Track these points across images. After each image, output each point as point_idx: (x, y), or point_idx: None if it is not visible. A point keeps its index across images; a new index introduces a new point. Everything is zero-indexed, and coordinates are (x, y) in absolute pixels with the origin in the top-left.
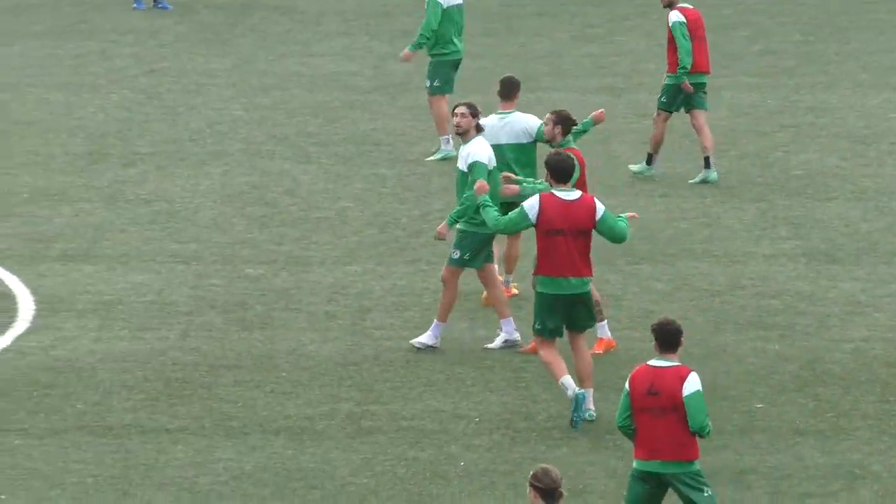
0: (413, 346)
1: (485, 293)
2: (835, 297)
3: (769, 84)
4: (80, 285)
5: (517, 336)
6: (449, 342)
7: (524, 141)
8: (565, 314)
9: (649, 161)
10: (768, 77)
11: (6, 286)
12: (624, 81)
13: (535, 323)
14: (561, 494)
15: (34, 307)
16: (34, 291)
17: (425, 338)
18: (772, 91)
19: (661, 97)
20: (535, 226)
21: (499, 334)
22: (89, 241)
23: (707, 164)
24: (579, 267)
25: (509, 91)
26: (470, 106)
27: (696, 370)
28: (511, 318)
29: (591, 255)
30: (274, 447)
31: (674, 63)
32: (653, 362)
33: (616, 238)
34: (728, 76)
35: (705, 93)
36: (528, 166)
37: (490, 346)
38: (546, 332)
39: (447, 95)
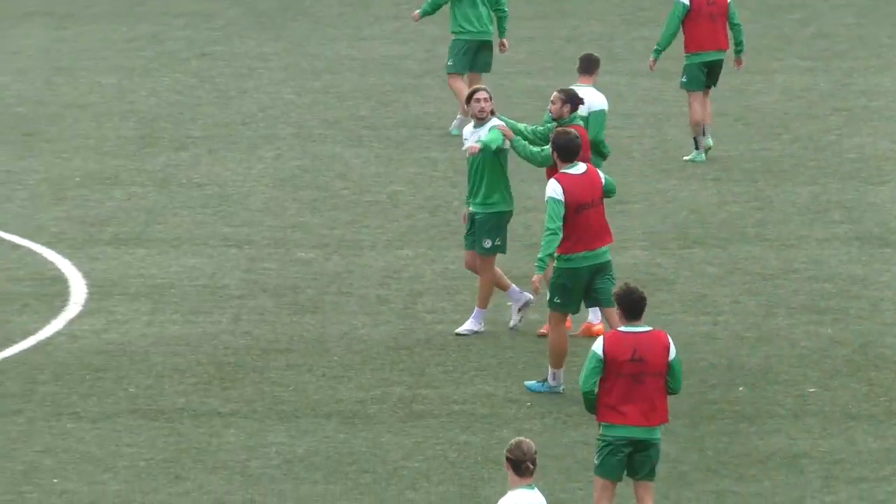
0: (458, 334)
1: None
2: (888, 280)
3: (822, 67)
4: (132, 269)
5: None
6: (501, 326)
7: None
8: (588, 285)
9: (696, 146)
10: (821, 60)
11: (59, 270)
12: (675, 65)
13: (553, 297)
14: (528, 468)
15: (87, 291)
16: (87, 275)
17: (469, 324)
18: (824, 74)
19: (680, 78)
20: (565, 206)
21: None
22: (141, 224)
23: (696, 144)
24: (604, 235)
25: (587, 67)
26: (488, 91)
27: (749, 354)
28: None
29: (643, 239)
30: (325, 431)
31: (687, 43)
32: (625, 329)
33: (612, 193)
34: (781, 59)
35: (720, 70)
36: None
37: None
38: (567, 307)
39: (464, 75)
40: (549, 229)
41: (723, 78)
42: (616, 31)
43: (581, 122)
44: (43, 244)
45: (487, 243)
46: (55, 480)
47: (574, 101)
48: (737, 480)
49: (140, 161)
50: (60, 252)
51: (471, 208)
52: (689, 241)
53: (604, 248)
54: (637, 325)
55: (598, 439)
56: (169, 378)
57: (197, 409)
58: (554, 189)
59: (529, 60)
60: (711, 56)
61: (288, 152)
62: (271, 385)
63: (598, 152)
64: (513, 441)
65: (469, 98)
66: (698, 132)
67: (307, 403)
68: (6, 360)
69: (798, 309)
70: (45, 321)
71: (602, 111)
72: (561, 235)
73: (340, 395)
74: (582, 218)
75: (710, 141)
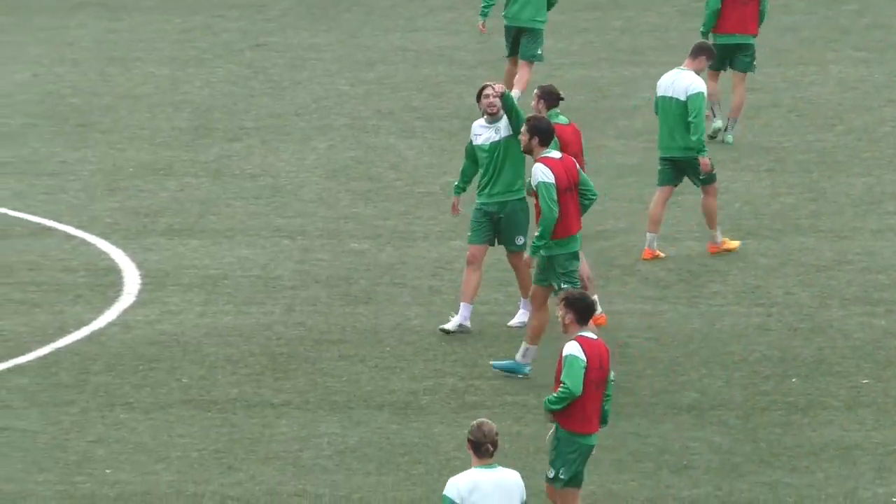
0: (511, 326)
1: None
2: None
3: (877, 59)
4: (185, 260)
5: (468, 325)
6: (554, 317)
7: (681, 98)
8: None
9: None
10: (876, 51)
11: (112, 261)
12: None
13: (561, 283)
14: (488, 449)
15: (140, 281)
16: (140, 266)
17: (520, 316)
18: (879, 66)
19: None
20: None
21: (453, 315)
22: (195, 215)
23: (726, 127)
24: (579, 220)
25: (695, 52)
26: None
27: (802, 346)
28: (471, 306)
29: (697, 230)
30: (378, 422)
31: (717, 23)
32: (587, 335)
33: (589, 189)
34: (836, 50)
35: (746, 55)
36: (679, 121)
37: (446, 326)
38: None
39: (513, 58)
40: (552, 210)
41: (777, 69)
42: (671, 22)
43: (564, 120)
44: (97, 235)
45: (520, 240)
46: (108, 471)
47: (549, 97)
48: (790, 472)
49: (194, 152)
50: (114, 243)
51: (482, 201)
52: (742, 232)
53: (580, 234)
54: (589, 332)
55: (569, 450)
56: (222, 369)
57: (249, 400)
58: (544, 172)
59: (583, 51)
60: (735, 39)
61: (341, 143)
62: (324, 376)
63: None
64: (474, 423)
65: (480, 93)
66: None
67: (359, 394)
68: (60, 350)
69: (851, 300)
70: (99, 312)
71: (699, 94)
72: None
73: (393, 386)
74: (562, 202)
75: (718, 123)
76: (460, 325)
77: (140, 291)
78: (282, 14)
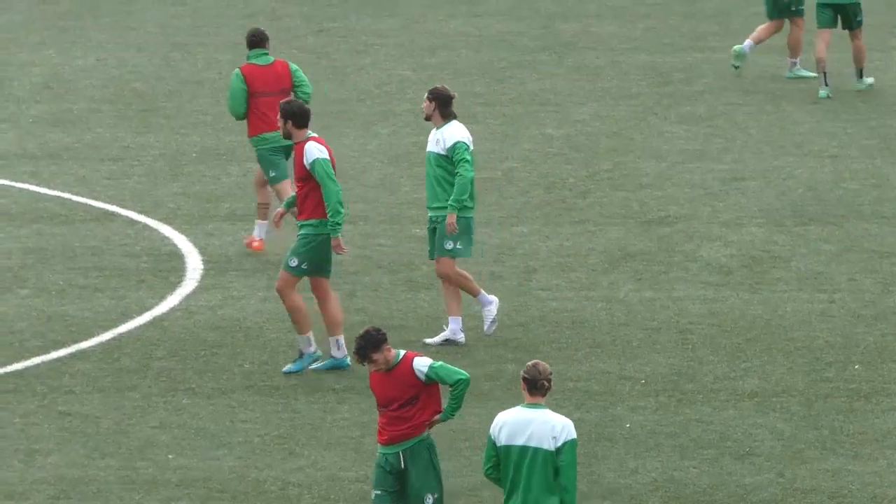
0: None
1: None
2: None
3: None
4: None
5: (461, 338)
6: (616, 303)
7: None
8: None
9: (825, 82)
10: None
11: (175, 246)
12: None
13: (301, 264)
14: (543, 385)
15: (202, 267)
16: (202, 251)
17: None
18: None
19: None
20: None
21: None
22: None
23: (825, 81)
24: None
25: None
26: (430, 91)
27: (866, 332)
28: (460, 318)
29: (759, 216)
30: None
31: None
32: None
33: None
34: None
35: (855, 13)
36: None
37: (429, 341)
38: (304, 272)
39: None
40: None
41: (840, 54)
42: (733, 7)
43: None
44: (159, 220)
45: (449, 245)
46: (170, 456)
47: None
48: (852, 459)
49: None
50: (177, 228)
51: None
52: (805, 218)
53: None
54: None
55: None
56: (284, 354)
57: (311, 385)
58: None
59: (646, 37)
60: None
61: (403, 129)
62: None
63: None
64: (529, 363)
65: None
66: (821, 69)
67: None
68: (123, 335)
69: None
70: (162, 297)
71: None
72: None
73: None
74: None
75: (865, 82)
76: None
77: (202, 277)
78: (344, 0)
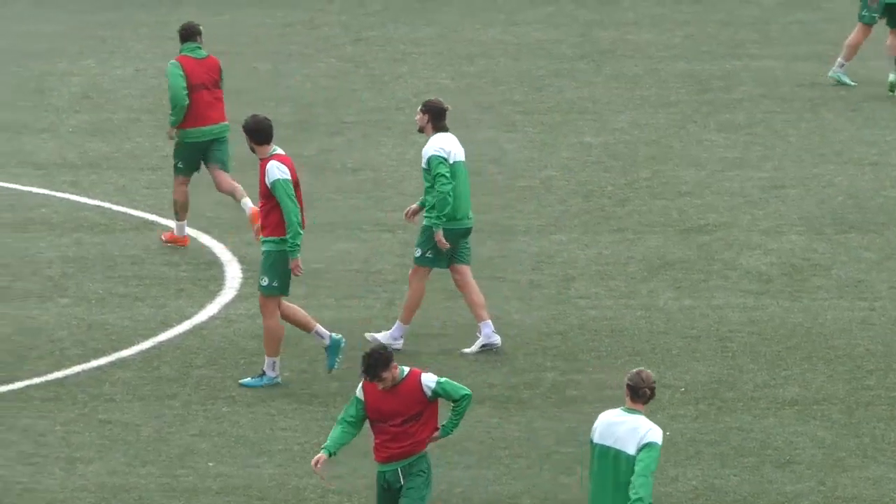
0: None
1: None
2: None
3: None
4: None
5: (497, 339)
6: (655, 311)
7: None
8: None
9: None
10: None
11: (214, 254)
12: (833, 49)
13: (272, 281)
14: (645, 393)
15: (241, 275)
16: (241, 259)
17: (387, 335)
18: None
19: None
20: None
21: (478, 337)
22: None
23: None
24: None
25: None
26: (423, 103)
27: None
28: (489, 321)
29: (799, 224)
30: (478, 416)
31: None
32: None
33: None
34: None
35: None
36: None
37: (467, 350)
38: (282, 290)
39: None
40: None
41: (880, 61)
42: (772, 15)
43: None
44: (198, 229)
45: (418, 252)
46: (210, 464)
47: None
48: (894, 467)
49: (295, 146)
50: (216, 237)
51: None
52: (845, 226)
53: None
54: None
55: None
56: (322, 362)
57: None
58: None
59: (685, 44)
60: None
61: None
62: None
63: None
64: (633, 370)
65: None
66: (849, 56)
67: None
68: (162, 343)
69: None
70: (201, 305)
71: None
72: None
73: (493, 380)
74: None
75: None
76: (484, 345)
77: (241, 285)
78: (383, 8)
